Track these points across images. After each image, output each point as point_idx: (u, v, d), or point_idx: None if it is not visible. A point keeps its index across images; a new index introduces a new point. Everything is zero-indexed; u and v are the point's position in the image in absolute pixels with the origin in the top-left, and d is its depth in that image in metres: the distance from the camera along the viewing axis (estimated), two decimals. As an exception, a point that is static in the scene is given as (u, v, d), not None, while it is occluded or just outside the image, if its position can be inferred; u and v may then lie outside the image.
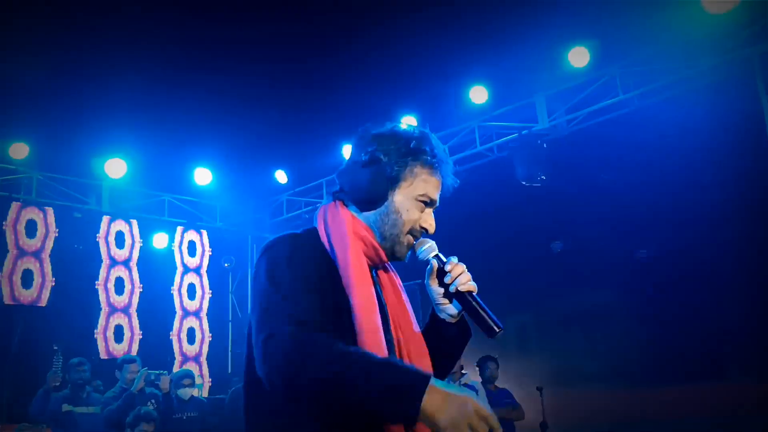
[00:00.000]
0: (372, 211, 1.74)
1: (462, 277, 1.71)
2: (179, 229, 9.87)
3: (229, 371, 10.22)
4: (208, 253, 10.19)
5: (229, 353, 10.44)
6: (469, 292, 1.71)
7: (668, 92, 6.84)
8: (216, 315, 10.24)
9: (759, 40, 6.13)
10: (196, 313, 9.87)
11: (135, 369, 5.93)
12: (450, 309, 1.77)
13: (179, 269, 9.81)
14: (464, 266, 1.73)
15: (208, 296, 10.09)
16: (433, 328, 1.81)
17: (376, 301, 1.65)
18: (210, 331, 9.97)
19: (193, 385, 6.27)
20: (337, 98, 8.55)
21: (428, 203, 1.76)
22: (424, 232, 1.77)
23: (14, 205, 8.17)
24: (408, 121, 8.27)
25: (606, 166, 7.46)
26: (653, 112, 7.02)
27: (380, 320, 1.62)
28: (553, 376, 7.87)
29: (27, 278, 8.11)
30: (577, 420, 7.83)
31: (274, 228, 10.55)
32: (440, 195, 1.78)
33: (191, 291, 9.89)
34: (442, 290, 1.76)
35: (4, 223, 8.07)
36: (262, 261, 1.64)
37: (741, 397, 7.16)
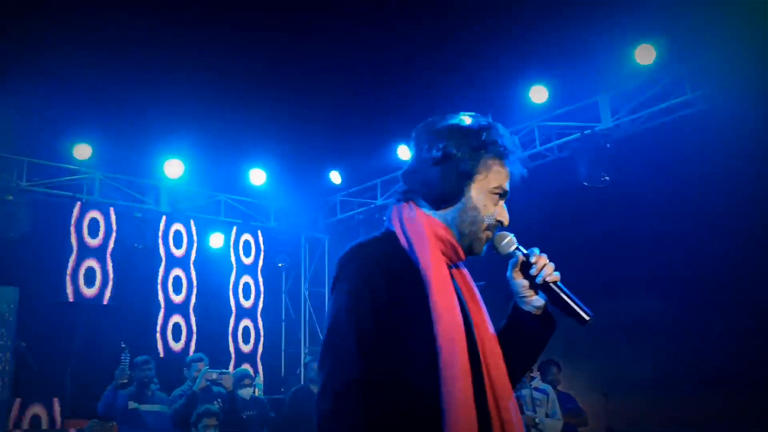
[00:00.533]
0: (448, 209, 1.71)
1: (547, 268, 1.68)
2: (234, 229, 9.96)
3: (282, 370, 10.28)
4: (262, 253, 10.25)
5: (282, 353, 10.50)
6: (556, 282, 1.69)
7: (738, 92, 6.60)
8: (270, 315, 10.30)
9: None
10: (251, 313, 9.94)
11: (202, 368, 5.98)
12: (536, 301, 1.73)
13: (234, 269, 9.89)
14: (546, 256, 1.71)
15: (262, 296, 10.15)
16: (515, 323, 1.77)
17: (458, 303, 1.62)
18: (264, 331, 10.03)
19: (252, 384, 6.30)
20: (392, 98, 8.52)
21: (502, 195, 1.74)
22: (500, 226, 1.74)
23: (77, 205, 8.33)
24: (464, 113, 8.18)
25: (674, 170, 7.25)
26: (722, 112, 6.79)
27: (462, 321, 1.60)
28: (600, 382, 7.71)
29: (90, 276, 8.27)
30: (624, 426, 7.65)
31: (327, 228, 10.56)
32: (510, 185, 1.76)
33: (246, 290, 9.97)
34: (526, 282, 1.72)
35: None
36: (336, 286, 1.65)
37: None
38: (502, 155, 1.71)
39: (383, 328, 1.56)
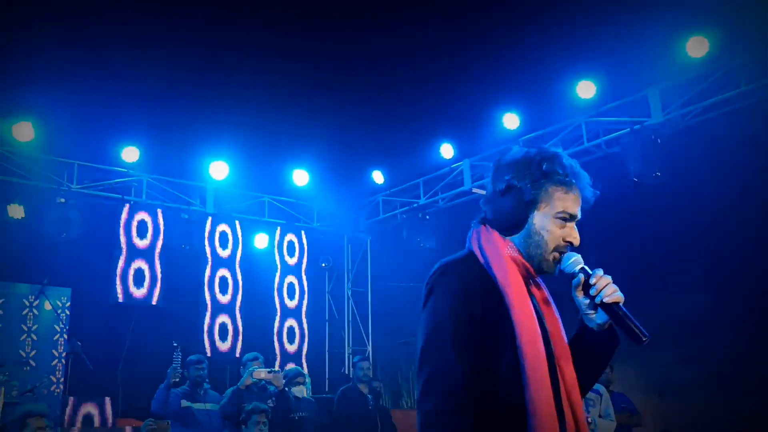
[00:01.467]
0: (516, 235, 1.86)
1: (607, 289, 1.75)
2: (279, 229, 10.02)
3: (327, 370, 10.31)
4: (306, 253, 10.29)
5: (326, 353, 10.52)
6: (615, 303, 1.75)
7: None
8: (313, 315, 10.34)
9: None
10: (296, 313, 9.99)
11: (258, 365, 6.00)
12: (597, 318, 1.82)
13: (279, 269, 9.95)
14: (609, 278, 1.78)
15: (306, 296, 10.19)
16: (581, 337, 1.88)
17: (536, 317, 1.75)
18: (308, 331, 10.06)
19: (304, 383, 6.31)
20: (436, 97, 8.49)
21: (568, 219, 1.84)
22: (570, 246, 1.85)
23: (126, 207, 8.47)
24: (508, 119, 8.11)
25: (727, 165, 7.06)
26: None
27: (540, 333, 1.72)
28: (652, 381, 7.55)
29: (139, 277, 8.39)
30: (678, 427, 7.47)
31: (369, 228, 10.56)
32: (581, 208, 1.88)
33: (291, 290, 10.02)
34: (588, 300, 1.80)
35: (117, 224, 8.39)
36: (431, 298, 1.79)
37: None
38: (563, 183, 1.84)
39: (476, 340, 1.70)
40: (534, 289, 1.86)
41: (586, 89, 7.50)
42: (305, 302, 10.15)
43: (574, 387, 1.78)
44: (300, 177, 9.62)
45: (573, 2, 6.80)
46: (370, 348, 10.34)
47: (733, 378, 7.55)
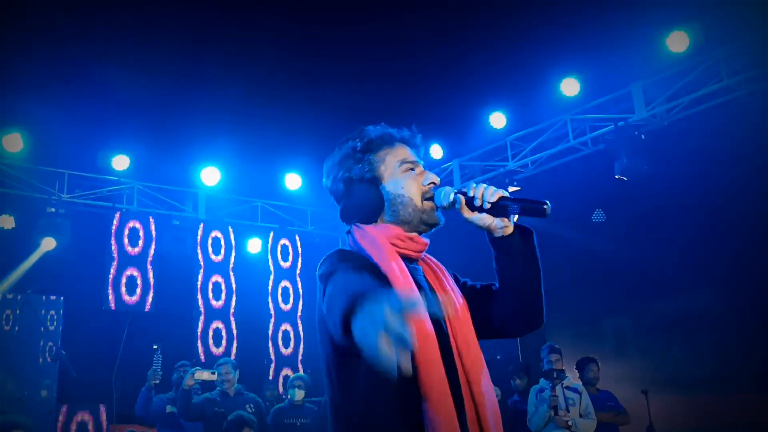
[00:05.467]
0: (384, 214, 1.83)
1: (486, 192, 1.74)
2: (272, 234, 10.05)
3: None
4: (300, 257, 10.32)
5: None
6: (501, 198, 1.73)
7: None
8: (309, 318, 10.35)
9: None
10: (291, 316, 10.01)
11: (226, 371, 5.99)
12: (498, 222, 1.77)
13: (273, 273, 9.98)
14: (483, 184, 1.77)
15: (301, 299, 10.21)
16: (500, 255, 1.82)
17: (414, 285, 1.69)
18: (304, 334, 10.08)
19: (303, 387, 6.29)
20: (423, 98, 8.48)
21: (413, 167, 1.85)
22: (434, 187, 1.83)
23: (117, 215, 8.52)
24: (495, 118, 8.10)
25: (713, 159, 7.03)
26: (761, 97, 6.56)
27: (420, 298, 1.61)
28: (652, 380, 7.51)
29: (131, 284, 8.44)
30: (679, 426, 7.43)
31: (364, 230, 10.55)
32: (419, 153, 1.91)
33: (285, 294, 10.05)
34: (482, 214, 1.77)
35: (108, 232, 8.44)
36: (320, 279, 1.70)
37: None
38: (384, 144, 1.87)
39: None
40: (426, 266, 1.87)
41: (570, 87, 7.50)
42: (300, 306, 10.16)
43: (469, 355, 1.71)
44: (292, 181, 9.64)
45: (555, 1, 6.79)
46: (366, 349, 10.31)
47: (721, 376, 7.52)
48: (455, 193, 1.80)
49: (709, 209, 7.40)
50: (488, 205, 1.74)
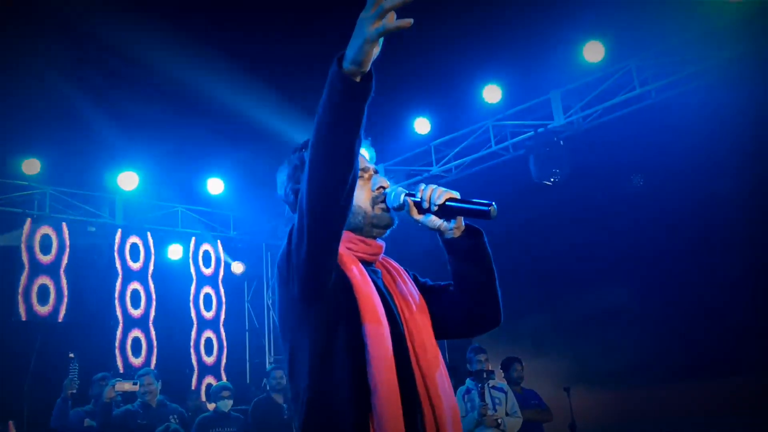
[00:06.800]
0: None
1: (434, 193, 1.75)
2: (193, 239, 9.82)
3: (248, 381, 10.15)
4: (223, 263, 10.13)
5: (247, 363, 10.36)
6: (448, 199, 1.74)
7: (687, 84, 6.71)
8: (233, 325, 10.18)
9: (779, 28, 5.99)
10: (214, 324, 9.81)
11: (148, 381, 5.84)
12: (448, 224, 1.81)
13: (195, 280, 9.75)
14: (433, 185, 1.79)
15: (224, 306, 10.03)
16: (452, 255, 1.86)
17: (375, 292, 1.72)
18: (227, 342, 9.90)
19: (231, 396, 6.17)
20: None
21: (361, 174, 1.87)
22: (384, 191, 1.87)
23: (28, 221, 8.13)
24: (419, 124, 8.20)
25: (626, 164, 7.34)
26: (672, 105, 6.90)
27: (383, 314, 1.69)
28: (569, 376, 7.76)
29: (43, 294, 8.07)
30: (594, 420, 7.70)
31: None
32: (370, 155, 1.91)
33: (207, 301, 9.84)
34: (430, 217, 1.80)
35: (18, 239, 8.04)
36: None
37: (759, 393, 7.03)
38: None
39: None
40: (384, 268, 1.90)
41: (492, 94, 7.66)
42: (223, 313, 9.97)
43: (425, 356, 1.74)
44: (215, 185, 9.44)
45: (478, 9, 6.92)
46: (291, 356, 10.22)
47: (639, 371, 7.84)
48: (404, 196, 1.82)
49: (622, 211, 7.72)
50: (435, 207, 1.76)
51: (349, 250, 1.81)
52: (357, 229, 1.86)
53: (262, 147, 8.95)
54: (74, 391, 5.64)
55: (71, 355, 5.67)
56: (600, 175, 7.65)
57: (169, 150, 8.56)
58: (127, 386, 5.48)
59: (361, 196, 1.86)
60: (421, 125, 8.23)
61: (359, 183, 1.86)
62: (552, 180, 7.18)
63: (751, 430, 6.76)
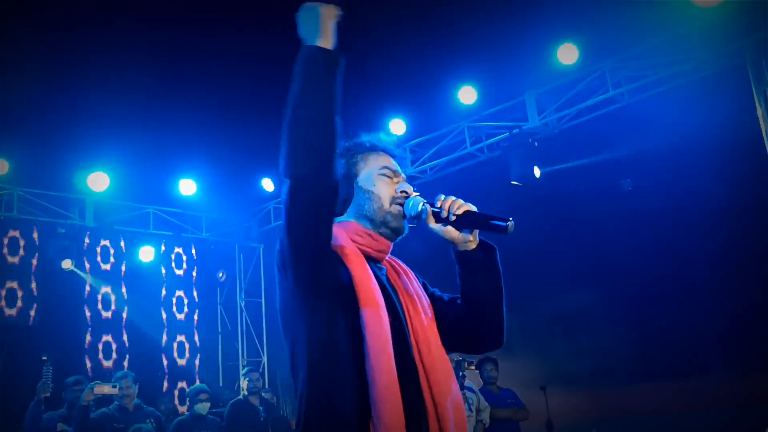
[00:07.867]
0: (350, 208, 1.88)
1: (454, 205, 1.78)
2: (164, 241, 9.69)
3: (221, 384, 10.05)
4: (195, 265, 10.02)
5: (220, 366, 10.26)
6: (466, 212, 1.77)
7: (659, 87, 6.82)
8: (205, 327, 10.07)
9: (749, 33, 6.13)
10: (186, 326, 9.70)
11: (127, 384, 5.75)
12: (462, 237, 1.81)
13: (166, 282, 9.63)
14: (452, 197, 1.81)
15: (196, 309, 9.92)
16: (463, 267, 1.86)
17: (374, 279, 1.72)
18: (200, 344, 9.79)
19: (209, 399, 6.11)
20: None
21: (392, 175, 1.90)
22: (406, 197, 1.87)
23: (-5, 223, 7.97)
24: (395, 125, 8.21)
25: (599, 166, 7.44)
26: (644, 107, 7.01)
27: (384, 308, 1.67)
28: (541, 377, 7.83)
29: (11, 297, 7.90)
30: (569, 419, 7.78)
31: (262, 237, 10.40)
32: (403, 165, 1.97)
33: (180, 304, 9.72)
34: (446, 227, 1.81)
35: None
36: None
37: (724, 391, 7.19)
38: (371, 149, 1.94)
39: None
40: (391, 269, 1.90)
41: (467, 95, 7.69)
42: (196, 315, 9.86)
43: (433, 366, 1.72)
44: (187, 186, 9.32)
45: (453, 11, 6.96)
46: (265, 359, 10.17)
47: (615, 371, 7.95)
48: (424, 203, 1.83)
49: (591, 214, 7.82)
50: (453, 218, 1.78)
51: (354, 243, 1.81)
52: (368, 219, 1.86)
53: (236, 148, 8.89)
54: (48, 394, 5.54)
55: (44, 357, 5.56)
56: (574, 177, 7.74)
57: (140, 150, 8.44)
58: (106, 389, 5.40)
59: (383, 190, 1.88)
60: (397, 126, 8.24)
61: (387, 181, 1.89)
62: (524, 181, 7.24)
63: (720, 426, 6.90)
